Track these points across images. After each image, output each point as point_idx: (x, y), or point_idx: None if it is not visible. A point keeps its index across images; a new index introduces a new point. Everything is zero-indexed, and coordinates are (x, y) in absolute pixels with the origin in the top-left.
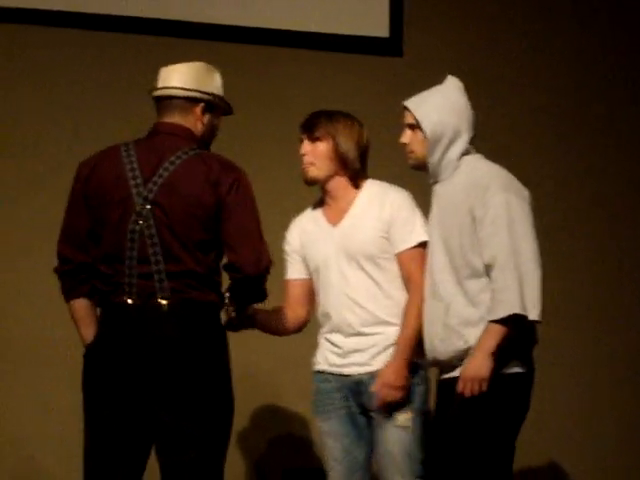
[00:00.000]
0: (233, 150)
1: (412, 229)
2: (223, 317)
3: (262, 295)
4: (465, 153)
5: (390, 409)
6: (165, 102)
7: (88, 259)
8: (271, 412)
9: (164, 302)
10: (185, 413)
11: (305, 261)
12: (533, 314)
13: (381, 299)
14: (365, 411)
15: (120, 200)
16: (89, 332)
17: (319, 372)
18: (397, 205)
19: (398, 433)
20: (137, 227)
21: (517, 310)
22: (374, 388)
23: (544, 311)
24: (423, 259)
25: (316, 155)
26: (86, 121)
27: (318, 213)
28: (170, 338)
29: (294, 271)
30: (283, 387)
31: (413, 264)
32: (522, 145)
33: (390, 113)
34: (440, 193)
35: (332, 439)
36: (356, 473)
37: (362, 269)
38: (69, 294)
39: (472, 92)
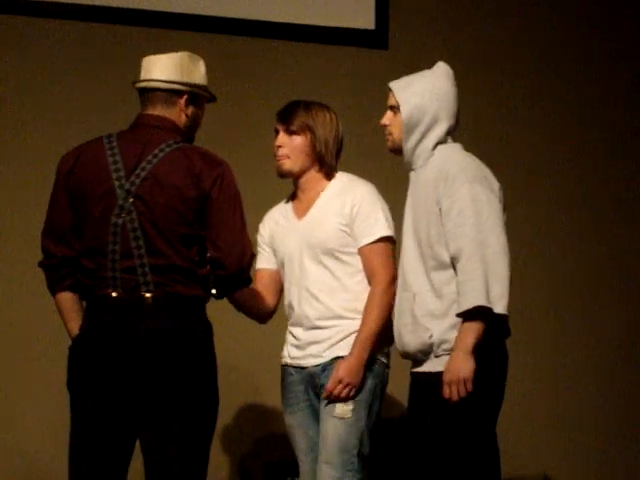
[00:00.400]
0: (216, 141)
1: (374, 223)
2: None
3: (246, 283)
4: (441, 142)
5: (335, 402)
6: (148, 94)
7: (71, 253)
8: (252, 406)
9: (148, 295)
10: (171, 407)
11: (274, 253)
12: (499, 307)
13: (339, 293)
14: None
15: (103, 193)
16: (75, 325)
17: (284, 366)
18: (359, 199)
19: (334, 423)
20: (120, 221)
21: (482, 302)
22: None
23: (532, 309)
24: (386, 254)
25: (292, 148)
26: (73, 114)
27: (289, 206)
28: (155, 331)
29: (263, 261)
30: (263, 381)
31: (375, 259)
32: (508, 136)
33: (375, 105)
34: (413, 181)
35: (298, 432)
36: None
37: (321, 263)
38: (53, 288)
39: (458, 84)
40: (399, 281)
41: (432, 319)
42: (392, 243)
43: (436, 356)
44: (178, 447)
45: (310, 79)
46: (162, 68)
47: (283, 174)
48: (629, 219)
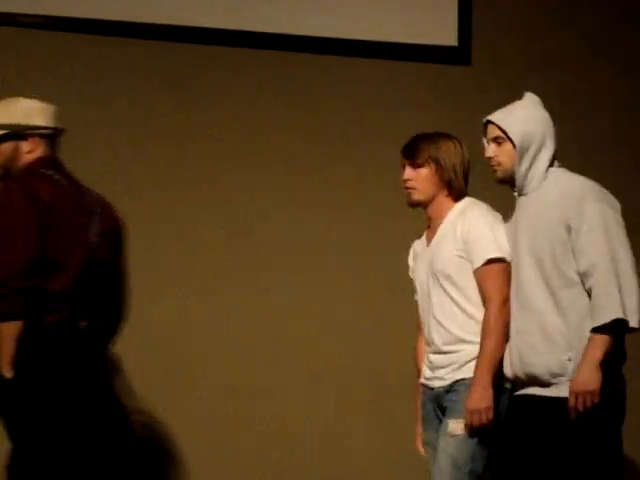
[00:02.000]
0: (300, 158)
1: (484, 247)
2: None
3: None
4: (552, 164)
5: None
6: (55, 139)
7: (41, 282)
8: None
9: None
10: None
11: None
12: (634, 321)
13: (460, 318)
14: None
15: (81, 227)
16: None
17: (421, 384)
18: (468, 223)
19: (446, 441)
20: (96, 254)
21: (619, 315)
22: (464, 416)
23: None
24: (498, 275)
25: (419, 180)
26: None
27: (425, 234)
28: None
29: (416, 293)
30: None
31: (486, 281)
32: (593, 152)
33: (458, 120)
34: (527, 205)
35: (430, 448)
36: None
37: (443, 288)
38: (19, 314)
39: (541, 101)
40: (516, 302)
41: (565, 338)
42: (505, 263)
43: (569, 379)
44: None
45: (394, 95)
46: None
47: (412, 204)
48: None
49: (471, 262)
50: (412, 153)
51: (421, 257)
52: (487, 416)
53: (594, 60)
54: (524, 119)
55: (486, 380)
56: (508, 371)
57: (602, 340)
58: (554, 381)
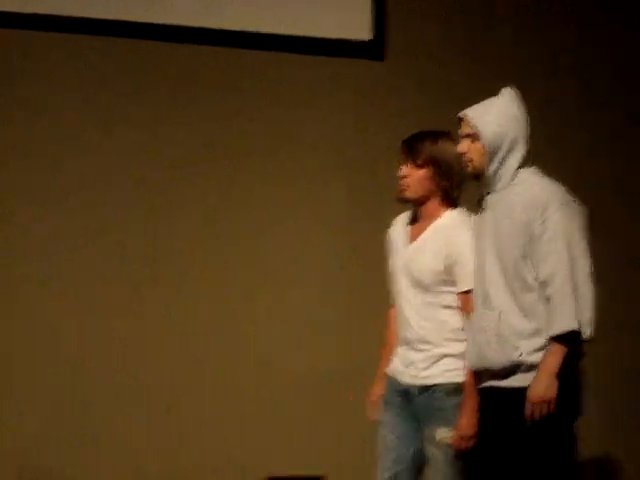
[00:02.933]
0: (202, 157)
1: (466, 277)
2: None
3: None
4: (522, 165)
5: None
6: None
7: None
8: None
9: None
10: None
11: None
12: (587, 332)
13: (432, 321)
14: (413, 416)
15: None
16: None
17: (388, 375)
18: (457, 248)
19: (434, 453)
20: None
21: (575, 327)
22: (451, 440)
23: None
24: (469, 303)
25: (414, 180)
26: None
27: (409, 225)
28: None
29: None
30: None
31: (465, 307)
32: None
33: (372, 115)
34: (495, 204)
35: (386, 429)
36: (403, 465)
37: (418, 292)
38: None
39: (454, 98)
40: (478, 298)
41: (521, 338)
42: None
43: (526, 371)
44: None
45: (308, 90)
46: None
47: (402, 200)
48: None
49: (454, 282)
50: (413, 152)
51: (401, 253)
52: (471, 443)
53: (517, 54)
54: (497, 119)
55: (472, 404)
56: (468, 364)
57: (558, 350)
58: (510, 374)
